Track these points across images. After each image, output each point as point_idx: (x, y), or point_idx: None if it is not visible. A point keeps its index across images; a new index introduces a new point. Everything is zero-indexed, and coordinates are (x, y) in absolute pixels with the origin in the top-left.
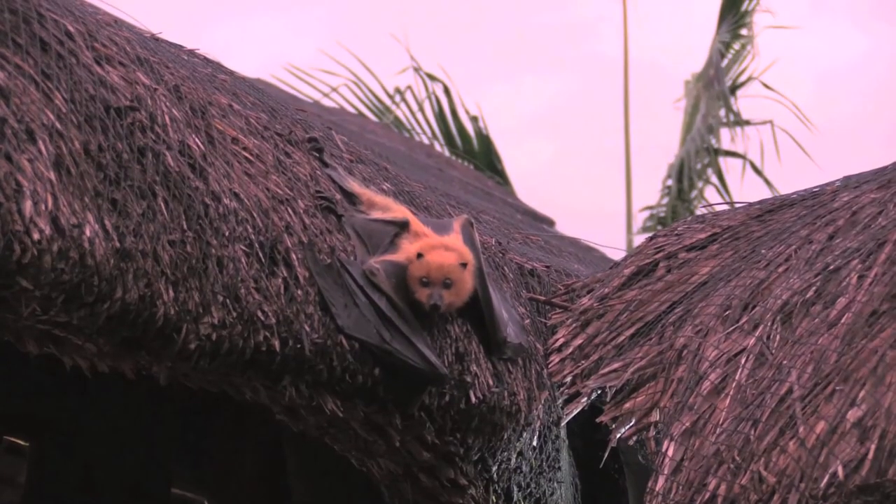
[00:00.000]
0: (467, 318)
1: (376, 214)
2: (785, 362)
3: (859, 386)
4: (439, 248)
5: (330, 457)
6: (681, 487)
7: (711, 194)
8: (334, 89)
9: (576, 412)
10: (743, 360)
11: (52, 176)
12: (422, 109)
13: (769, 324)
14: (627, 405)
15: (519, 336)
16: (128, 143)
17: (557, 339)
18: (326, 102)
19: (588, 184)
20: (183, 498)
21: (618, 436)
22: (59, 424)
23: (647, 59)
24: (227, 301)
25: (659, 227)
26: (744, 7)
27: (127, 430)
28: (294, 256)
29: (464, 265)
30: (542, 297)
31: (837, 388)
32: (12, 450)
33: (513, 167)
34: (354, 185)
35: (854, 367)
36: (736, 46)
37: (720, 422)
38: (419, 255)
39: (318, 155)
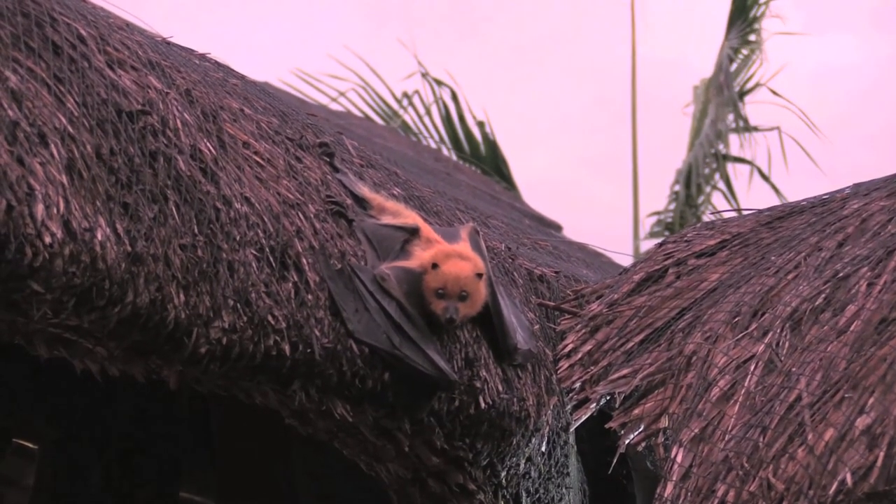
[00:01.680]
0: (477, 324)
1: (387, 219)
2: (794, 369)
3: (868, 393)
4: (454, 257)
5: (338, 461)
6: (689, 494)
7: (719, 200)
8: (342, 94)
9: (585, 418)
10: (752, 367)
11: (64, 179)
12: (429, 114)
13: (778, 331)
14: (636, 411)
15: (528, 342)
16: (139, 147)
17: (566, 345)
18: (334, 107)
19: (595, 189)
20: (191, 501)
21: (626, 442)
22: (66, 428)
23: (654, 65)
24: (238, 305)
25: (666, 233)
26: (753, 13)
27: (135, 433)
28: (304, 261)
29: (479, 276)
30: (552, 303)
31: (846, 395)
32: (21, 452)
33: (519, 172)
34: (365, 190)
35: (863, 374)
36: (744, 52)
37: (729, 428)
38: (434, 266)
39: (328, 160)
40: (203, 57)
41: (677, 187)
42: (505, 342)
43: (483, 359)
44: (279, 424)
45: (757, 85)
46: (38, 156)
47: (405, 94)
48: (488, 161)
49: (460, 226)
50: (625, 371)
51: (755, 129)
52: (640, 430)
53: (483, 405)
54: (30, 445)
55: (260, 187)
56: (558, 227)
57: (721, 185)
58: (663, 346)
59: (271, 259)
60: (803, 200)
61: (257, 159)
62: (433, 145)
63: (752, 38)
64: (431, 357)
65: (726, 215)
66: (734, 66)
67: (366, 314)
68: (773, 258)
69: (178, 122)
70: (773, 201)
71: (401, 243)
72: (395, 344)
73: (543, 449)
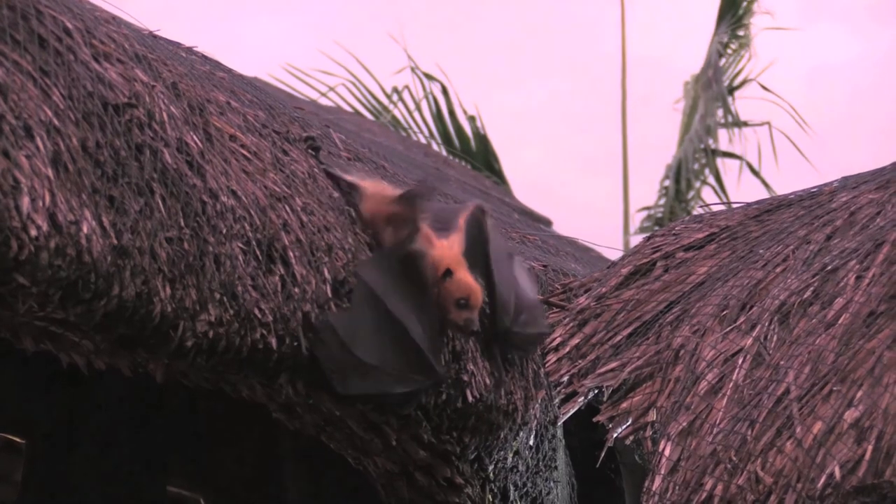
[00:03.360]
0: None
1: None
2: (782, 363)
3: (856, 387)
4: (462, 265)
5: (326, 455)
6: (677, 487)
7: (709, 195)
8: (332, 88)
9: (573, 412)
10: (740, 361)
11: (50, 172)
12: (419, 109)
13: (766, 324)
14: (624, 405)
15: (534, 325)
16: (125, 140)
17: (554, 339)
18: (324, 102)
19: (585, 184)
20: (179, 496)
21: (614, 435)
22: (55, 422)
23: (644, 60)
24: (224, 298)
25: (656, 228)
26: (742, 8)
27: (123, 427)
28: (291, 254)
29: None
30: (540, 297)
31: (835, 388)
32: (9, 447)
33: (510, 167)
34: (352, 177)
35: (851, 367)
36: (734, 47)
37: (717, 422)
38: (450, 272)
39: (314, 154)
40: (190, 50)
41: (667, 182)
42: (498, 324)
43: (470, 352)
44: (268, 418)
45: (746, 80)
46: (24, 149)
47: (395, 90)
48: (479, 156)
49: (461, 206)
50: (613, 364)
51: (745, 124)
52: (628, 423)
53: (470, 399)
54: (18, 440)
55: (246, 180)
56: (548, 222)
57: (711, 180)
58: (651, 340)
59: (258, 252)
60: (791, 194)
61: (244, 152)
62: (423, 140)
63: (742, 32)
64: (427, 360)
65: (715, 209)
66: (724, 62)
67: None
68: (761, 251)
69: (165, 115)
70: (764, 197)
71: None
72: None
73: (531, 443)
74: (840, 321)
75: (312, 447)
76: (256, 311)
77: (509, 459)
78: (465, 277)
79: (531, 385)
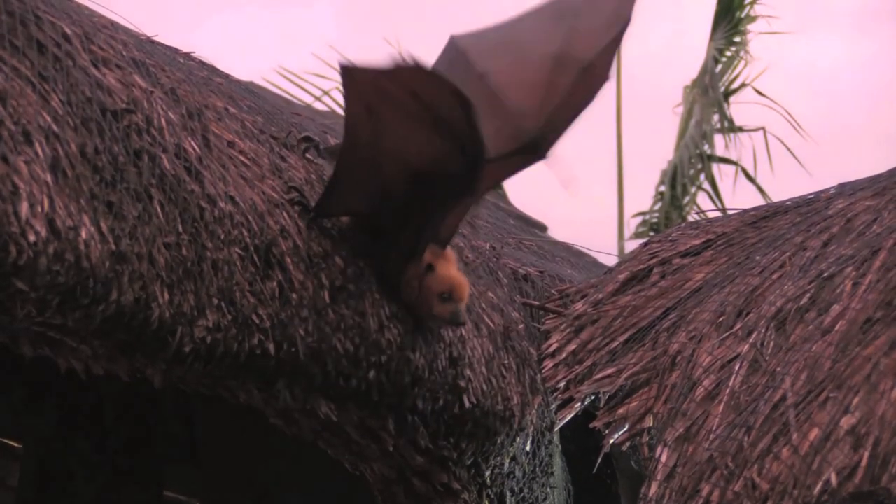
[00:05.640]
0: None
1: None
2: (779, 369)
3: (853, 393)
4: (444, 258)
5: (323, 460)
6: (674, 493)
7: (704, 201)
8: (326, 93)
9: (569, 417)
10: (737, 367)
11: (49, 178)
12: None
13: (763, 330)
14: (621, 411)
15: None
16: (124, 146)
17: (551, 345)
18: (318, 106)
19: (580, 189)
20: (175, 500)
21: (611, 441)
22: (51, 426)
23: (640, 64)
24: (222, 304)
25: (651, 233)
26: (738, 13)
27: (120, 431)
28: (289, 260)
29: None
30: (536, 302)
31: (831, 395)
32: (5, 451)
33: None
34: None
35: (848, 374)
36: (730, 52)
37: (713, 428)
38: (430, 268)
39: (315, 150)
40: (187, 56)
41: (662, 188)
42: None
43: (468, 358)
44: (265, 424)
45: (742, 85)
46: (23, 154)
47: None
48: None
49: None
50: (609, 370)
51: (740, 129)
52: (625, 429)
53: (467, 404)
54: (14, 445)
55: (244, 186)
56: (543, 227)
57: (706, 185)
58: (648, 346)
59: (256, 258)
60: (788, 200)
61: (242, 158)
62: None
63: (738, 38)
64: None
65: (711, 215)
66: (719, 67)
67: None
68: (757, 258)
69: (163, 120)
70: (759, 202)
71: None
72: None
73: (528, 448)
74: (836, 328)
75: (310, 453)
76: (254, 317)
77: (506, 465)
78: (447, 271)
79: (528, 391)
